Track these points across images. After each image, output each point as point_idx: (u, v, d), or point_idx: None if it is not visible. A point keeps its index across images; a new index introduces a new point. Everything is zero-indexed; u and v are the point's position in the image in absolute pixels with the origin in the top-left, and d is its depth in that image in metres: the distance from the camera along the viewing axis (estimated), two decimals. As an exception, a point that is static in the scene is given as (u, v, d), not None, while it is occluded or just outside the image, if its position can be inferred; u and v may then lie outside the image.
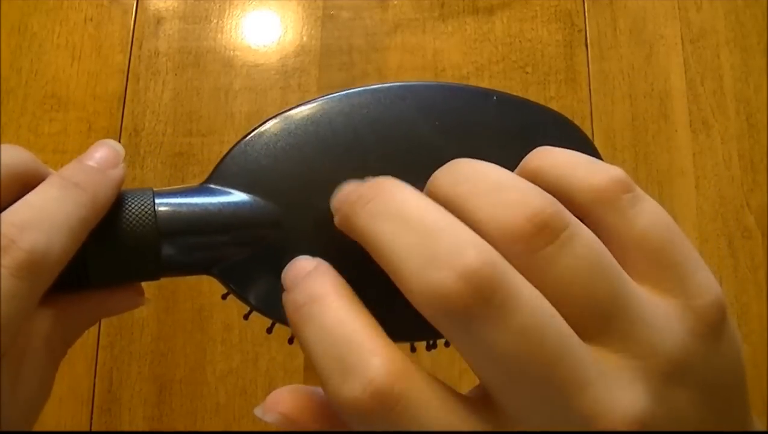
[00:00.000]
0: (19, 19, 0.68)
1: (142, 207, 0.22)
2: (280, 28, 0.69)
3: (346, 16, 0.69)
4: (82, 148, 0.74)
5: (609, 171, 0.19)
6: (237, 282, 0.23)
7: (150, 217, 0.22)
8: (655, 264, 0.19)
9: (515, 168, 0.21)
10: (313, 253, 0.21)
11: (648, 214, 0.19)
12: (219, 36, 0.68)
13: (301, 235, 0.22)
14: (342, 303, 0.18)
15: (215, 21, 0.69)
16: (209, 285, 0.61)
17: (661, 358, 0.17)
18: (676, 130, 0.66)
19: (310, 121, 0.23)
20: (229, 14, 0.69)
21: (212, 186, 0.23)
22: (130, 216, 0.22)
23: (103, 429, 0.59)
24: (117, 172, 0.23)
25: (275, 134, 0.23)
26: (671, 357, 0.18)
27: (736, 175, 0.65)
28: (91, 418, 0.59)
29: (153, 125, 0.65)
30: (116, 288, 0.24)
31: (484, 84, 0.67)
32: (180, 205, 0.22)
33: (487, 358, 0.17)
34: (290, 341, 0.23)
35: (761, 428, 0.21)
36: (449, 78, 0.67)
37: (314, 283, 0.19)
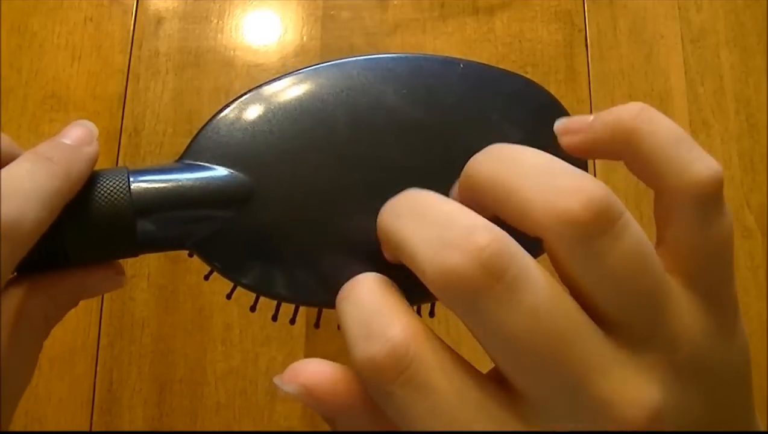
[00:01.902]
0: (19, 19, 0.68)
1: (117, 184, 0.23)
2: (280, 28, 0.69)
3: (346, 16, 0.69)
4: (82, 147, 0.72)
5: (711, 166, 0.19)
6: (214, 257, 0.23)
7: (124, 194, 0.22)
8: (702, 268, 0.19)
9: (486, 135, 0.21)
10: (289, 223, 0.22)
11: (725, 220, 0.19)
12: (219, 36, 0.68)
13: (274, 205, 0.23)
14: (379, 284, 0.19)
15: (215, 21, 0.69)
16: (209, 286, 0.61)
17: (681, 352, 0.18)
18: (676, 130, 0.66)
19: (280, 94, 0.24)
20: (229, 14, 0.69)
21: (187, 161, 0.23)
22: (105, 193, 0.22)
23: (103, 429, 0.59)
24: (91, 149, 0.23)
25: (246, 109, 0.24)
26: (688, 351, 0.18)
27: (736, 175, 0.65)
28: (91, 418, 0.59)
29: (153, 125, 0.65)
30: (95, 267, 0.24)
31: (484, 84, 0.67)
32: (154, 180, 0.23)
33: (497, 337, 0.17)
34: (252, 309, 0.24)
35: (763, 428, 0.21)
36: (449, 78, 0.67)
37: (362, 274, 0.20)
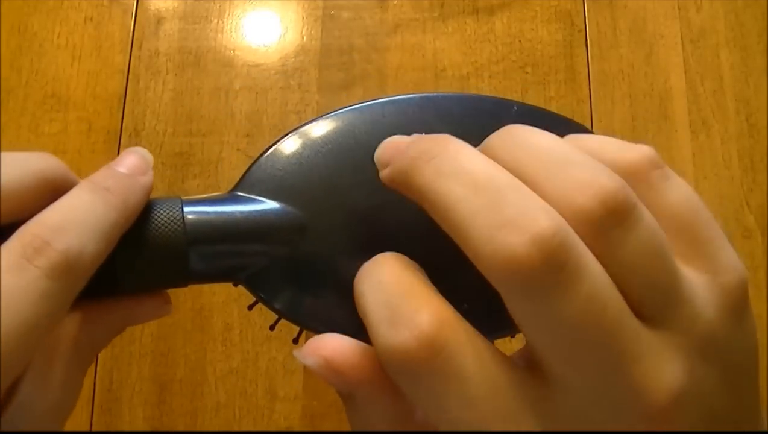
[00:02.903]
0: (19, 19, 0.68)
1: (171, 214, 0.22)
2: (280, 28, 0.69)
3: (346, 16, 0.69)
4: (83, 147, 0.74)
5: (639, 148, 0.19)
6: (264, 290, 0.23)
7: (179, 224, 0.22)
8: (685, 239, 0.19)
9: None
10: (340, 258, 0.22)
11: (679, 189, 0.19)
12: (219, 36, 0.68)
13: (327, 241, 0.23)
14: (401, 265, 0.19)
15: (215, 21, 0.69)
16: (209, 286, 0.61)
17: (697, 334, 0.18)
18: (676, 130, 0.66)
19: (333, 130, 0.24)
20: (229, 14, 0.69)
21: (239, 194, 0.23)
22: (160, 223, 0.22)
23: (103, 429, 0.59)
24: (146, 179, 0.23)
25: (299, 143, 0.24)
26: (705, 333, 0.18)
27: (736, 175, 0.65)
28: (91, 418, 0.59)
29: (153, 125, 0.65)
30: (144, 296, 0.24)
31: (484, 84, 0.67)
32: (208, 212, 0.23)
33: (549, 325, 0.17)
34: (295, 341, 0.24)
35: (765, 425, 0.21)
36: (449, 78, 0.67)
37: (381, 255, 0.20)
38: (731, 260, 0.19)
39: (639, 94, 0.67)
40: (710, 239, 0.19)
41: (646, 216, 0.18)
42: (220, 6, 0.69)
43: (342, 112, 0.24)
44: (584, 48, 0.68)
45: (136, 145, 0.65)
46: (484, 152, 0.19)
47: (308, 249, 0.22)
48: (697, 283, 0.18)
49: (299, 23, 0.69)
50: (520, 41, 0.68)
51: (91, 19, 0.69)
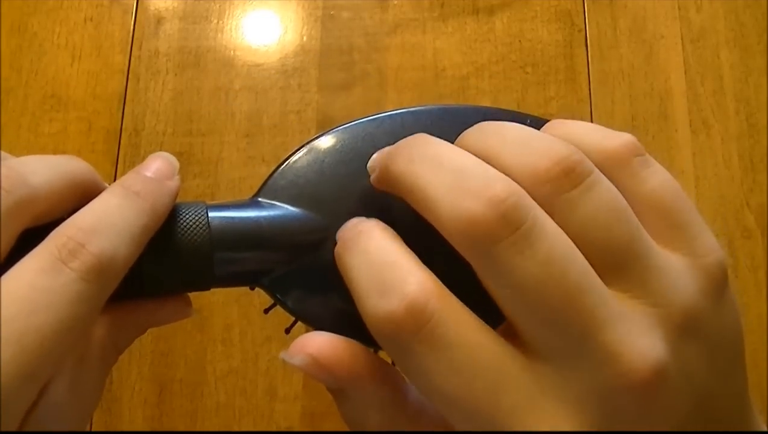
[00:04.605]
0: (19, 19, 0.68)
1: (197, 219, 0.23)
2: (280, 28, 0.69)
3: (346, 16, 0.69)
4: (82, 148, 0.74)
5: (621, 136, 0.20)
6: (285, 294, 0.23)
7: (204, 229, 0.23)
8: (665, 223, 0.19)
9: None
10: None
11: (658, 175, 0.20)
12: (219, 36, 0.68)
13: None
14: (385, 235, 0.20)
15: (215, 21, 0.69)
16: (209, 285, 0.61)
17: (676, 309, 0.18)
18: (676, 130, 0.66)
19: (354, 139, 0.24)
20: (229, 14, 0.69)
21: (261, 200, 0.24)
22: (186, 227, 0.23)
23: (103, 429, 0.59)
24: (173, 183, 0.23)
25: (321, 151, 0.24)
26: (685, 309, 0.18)
27: (736, 175, 0.65)
28: (91, 418, 0.59)
29: (153, 125, 0.65)
30: (168, 298, 0.24)
31: (484, 84, 0.67)
32: (232, 218, 0.23)
33: (510, 285, 0.17)
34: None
35: (762, 423, 0.21)
36: (449, 78, 0.67)
37: (362, 223, 0.21)
38: (710, 242, 0.20)
39: (639, 94, 0.67)
40: (690, 222, 0.20)
41: (606, 182, 0.19)
42: (220, 6, 0.69)
43: (363, 122, 0.25)
44: (584, 48, 0.68)
45: (136, 145, 0.65)
46: (458, 145, 0.20)
47: (328, 255, 0.23)
48: (677, 263, 0.19)
49: (299, 23, 0.69)
50: (520, 41, 0.68)
51: (91, 19, 0.69)
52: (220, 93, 0.66)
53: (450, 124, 0.24)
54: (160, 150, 0.64)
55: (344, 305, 0.23)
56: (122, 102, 0.66)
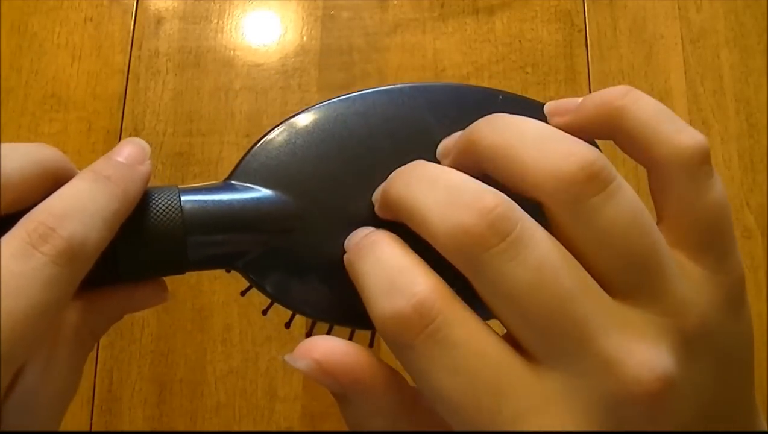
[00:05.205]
0: (19, 19, 0.68)
1: (169, 202, 0.23)
2: (280, 28, 0.69)
3: (346, 16, 0.69)
4: (82, 147, 0.74)
5: (694, 137, 0.20)
6: (260, 276, 0.23)
7: (177, 212, 0.23)
8: (700, 238, 0.19)
9: None
10: (333, 245, 0.23)
11: (716, 187, 0.20)
12: (219, 36, 0.68)
13: (321, 227, 0.23)
14: (397, 244, 0.20)
15: (215, 21, 0.69)
16: (209, 285, 0.61)
17: (688, 320, 0.18)
18: (676, 130, 0.66)
19: (327, 119, 0.24)
20: (229, 14, 0.69)
21: (234, 183, 0.24)
22: (158, 211, 0.23)
23: (103, 429, 0.59)
24: (144, 168, 0.23)
25: (294, 132, 0.24)
26: (697, 321, 0.18)
27: (736, 175, 0.65)
28: (91, 418, 0.59)
29: (153, 125, 0.65)
30: (143, 283, 0.24)
31: (484, 84, 0.67)
32: (205, 201, 0.23)
33: (502, 293, 0.17)
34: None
35: (763, 425, 0.21)
36: (449, 78, 0.67)
37: (375, 233, 0.21)
38: (737, 260, 0.19)
39: (639, 94, 0.67)
40: (723, 240, 0.19)
41: (627, 189, 0.18)
42: (220, 6, 0.69)
43: (334, 102, 0.25)
44: (584, 48, 0.68)
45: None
46: (470, 136, 0.20)
47: (302, 236, 0.23)
48: (697, 276, 0.19)
49: (299, 23, 0.69)
50: (520, 41, 0.68)
51: (91, 19, 0.69)
52: (220, 93, 0.66)
53: (421, 101, 0.24)
54: (160, 150, 0.65)
55: (319, 285, 0.23)
56: (122, 102, 0.66)
